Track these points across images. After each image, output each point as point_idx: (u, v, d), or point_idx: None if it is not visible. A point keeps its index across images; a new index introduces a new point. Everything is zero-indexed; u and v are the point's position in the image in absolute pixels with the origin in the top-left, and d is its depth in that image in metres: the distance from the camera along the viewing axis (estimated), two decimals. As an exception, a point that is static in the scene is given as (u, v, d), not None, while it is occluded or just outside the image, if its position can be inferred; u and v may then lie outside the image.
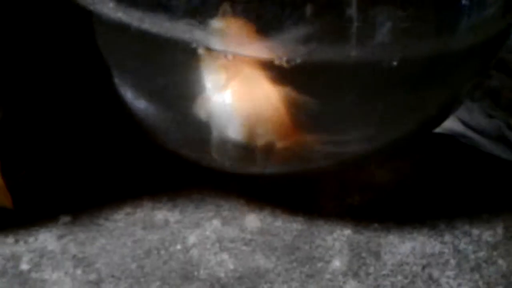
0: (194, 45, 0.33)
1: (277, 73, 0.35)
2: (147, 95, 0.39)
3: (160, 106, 0.39)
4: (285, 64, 0.34)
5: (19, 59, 0.47)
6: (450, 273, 0.46)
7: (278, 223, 0.48)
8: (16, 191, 0.45)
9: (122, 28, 0.33)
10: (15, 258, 0.43)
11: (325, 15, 0.34)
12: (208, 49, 0.33)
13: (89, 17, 0.34)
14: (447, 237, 0.48)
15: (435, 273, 0.46)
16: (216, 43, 0.33)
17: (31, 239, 0.44)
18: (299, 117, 0.38)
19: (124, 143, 0.52)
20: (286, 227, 0.47)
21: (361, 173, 0.51)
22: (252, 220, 0.48)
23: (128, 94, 0.39)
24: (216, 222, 0.47)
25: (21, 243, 0.44)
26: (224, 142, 0.40)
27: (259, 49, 0.34)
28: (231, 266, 0.44)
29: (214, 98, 0.36)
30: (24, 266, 0.43)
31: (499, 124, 0.53)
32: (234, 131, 0.39)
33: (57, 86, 0.49)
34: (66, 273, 0.43)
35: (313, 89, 0.36)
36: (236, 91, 0.37)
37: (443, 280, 0.45)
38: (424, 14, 0.36)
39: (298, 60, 0.34)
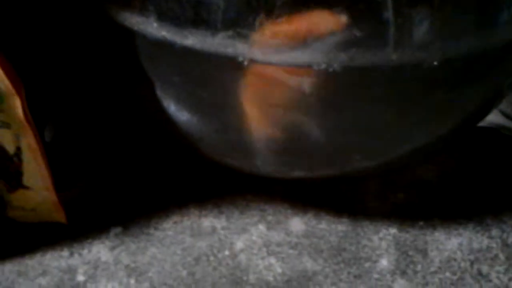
0: (237, 57, 0.33)
1: (316, 80, 0.35)
2: (190, 107, 0.40)
3: (204, 117, 0.40)
4: (324, 71, 0.34)
5: (68, 78, 0.48)
6: (500, 268, 0.45)
7: (323, 225, 0.48)
8: (69, 206, 0.47)
9: (165, 46, 0.34)
10: (71, 271, 0.45)
11: (363, 19, 0.34)
12: (250, 60, 0.34)
13: (134, 37, 0.35)
14: (495, 232, 0.48)
15: (484, 269, 0.45)
16: (256, 54, 0.34)
17: (85, 252, 0.46)
18: (340, 122, 0.38)
19: (169, 154, 0.53)
20: (331, 229, 0.48)
21: (405, 171, 0.51)
22: (297, 223, 0.48)
23: (172, 107, 0.40)
24: (261, 227, 0.48)
25: (76, 255, 0.46)
26: (266, 149, 0.41)
27: (298, 58, 0.34)
28: (279, 270, 0.45)
29: (253, 106, 0.37)
30: (80, 278, 0.44)
31: (541, 114, 0.52)
32: (274, 140, 0.39)
33: (105, 104, 0.51)
34: (120, 283, 0.44)
35: (354, 94, 0.36)
36: (275, 98, 0.37)
37: (493, 275, 0.45)
38: (462, 11, 0.35)
39: (338, 67, 0.34)
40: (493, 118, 0.53)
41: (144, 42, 0.35)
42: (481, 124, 0.53)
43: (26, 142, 0.40)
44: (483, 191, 0.51)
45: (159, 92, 0.40)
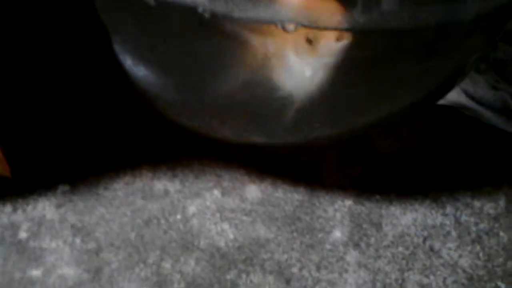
0: (196, 8, 0.32)
1: (279, 40, 0.34)
2: (147, 62, 0.38)
3: (161, 72, 0.38)
4: (288, 31, 0.33)
5: (14, 24, 0.45)
6: (451, 244, 0.46)
7: (279, 193, 0.47)
8: (14, 160, 0.44)
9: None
10: (14, 227, 0.43)
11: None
12: (211, 13, 0.32)
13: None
14: (449, 209, 0.48)
15: (436, 245, 0.45)
16: (218, 6, 0.32)
17: (29, 208, 0.44)
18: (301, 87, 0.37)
19: (123, 111, 0.51)
20: (287, 198, 0.47)
21: (364, 144, 0.51)
22: (253, 190, 0.47)
23: (129, 61, 0.38)
24: (216, 192, 0.47)
25: (19, 212, 0.44)
26: (224, 110, 0.40)
27: (261, 14, 0.33)
28: (231, 236, 0.44)
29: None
30: (23, 235, 0.43)
31: (503, 97, 0.52)
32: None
33: (55, 53, 0.48)
34: (64, 242, 0.42)
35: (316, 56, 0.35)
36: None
37: (444, 252, 0.45)
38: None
39: (301, 26, 0.33)
40: (456, 97, 0.53)
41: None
42: (444, 103, 0.53)
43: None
44: (440, 169, 0.51)
45: (115, 45, 0.38)
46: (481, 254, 0.45)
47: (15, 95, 0.49)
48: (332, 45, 0.34)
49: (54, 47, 0.47)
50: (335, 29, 0.33)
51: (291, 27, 0.33)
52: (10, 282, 0.40)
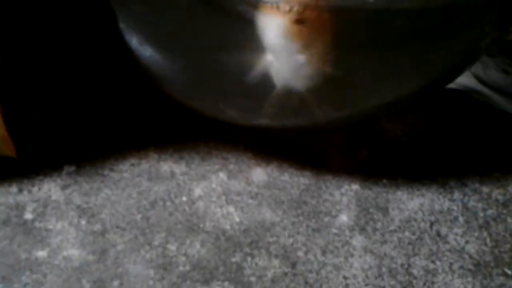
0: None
1: (286, 20, 0.33)
2: (153, 42, 0.37)
3: (166, 52, 0.38)
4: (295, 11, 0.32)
5: (19, 5, 0.45)
6: (458, 230, 0.45)
7: (285, 177, 0.47)
8: (19, 140, 0.44)
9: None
10: (19, 208, 0.43)
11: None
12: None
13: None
14: (457, 195, 0.47)
15: (443, 230, 0.45)
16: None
17: (35, 189, 0.44)
18: (309, 68, 0.36)
19: (130, 93, 0.50)
20: (293, 181, 0.47)
21: (371, 128, 0.50)
22: (259, 173, 0.47)
23: (135, 41, 0.38)
24: (222, 175, 0.46)
25: (25, 192, 0.44)
26: (231, 91, 0.39)
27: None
28: (237, 219, 0.44)
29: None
30: (28, 216, 0.43)
31: (514, 81, 0.52)
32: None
33: (61, 33, 0.48)
34: (70, 223, 0.42)
35: (326, 38, 0.34)
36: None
37: (450, 237, 0.45)
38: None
39: (308, 7, 0.32)
40: (467, 81, 0.53)
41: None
42: (454, 87, 0.52)
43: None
44: (449, 154, 0.50)
45: (122, 24, 0.38)
46: (488, 240, 0.45)
47: (21, 76, 0.49)
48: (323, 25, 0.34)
49: (60, 29, 0.47)
50: (346, 8, 0.32)
51: (286, 7, 0.32)
52: (16, 262, 0.40)
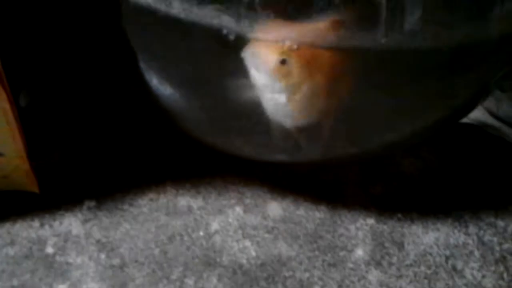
0: (222, 30, 0.32)
1: (303, 60, 0.34)
2: (173, 81, 0.39)
3: (185, 91, 0.39)
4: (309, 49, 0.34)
5: (45, 45, 0.47)
6: (474, 264, 0.45)
7: (301, 211, 0.47)
8: (42, 175, 0.45)
9: (150, 14, 0.33)
10: (41, 242, 0.44)
11: (355, 2, 0.33)
12: (237, 35, 0.33)
13: (118, 2, 0.34)
14: (472, 229, 0.47)
15: (459, 265, 0.45)
16: (244, 29, 0.33)
17: (56, 223, 0.45)
18: (325, 105, 0.37)
19: (149, 129, 0.52)
20: (309, 216, 0.47)
21: (386, 163, 0.51)
22: (275, 208, 0.48)
23: (154, 80, 0.39)
24: (238, 209, 0.47)
25: (47, 227, 0.45)
26: (249, 130, 0.40)
27: (289, 35, 0.33)
28: (253, 253, 0.44)
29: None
30: (50, 250, 0.43)
31: (527, 115, 0.52)
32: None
33: (84, 72, 0.49)
34: (90, 257, 0.43)
35: (341, 76, 0.35)
36: (260, 77, 0.36)
37: (467, 272, 0.45)
38: (455, 1, 0.35)
39: (325, 47, 0.33)
40: (479, 115, 0.53)
41: (128, 9, 0.34)
42: (467, 121, 0.53)
43: None
44: (462, 188, 0.50)
45: (142, 64, 0.39)
46: (505, 275, 0.45)
47: (45, 113, 0.50)
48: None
49: (82, 66, 0.48)
50: (356, 48, 0.33)
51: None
52: (37, 296, 0.41)
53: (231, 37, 0.33)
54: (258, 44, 0.33)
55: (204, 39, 0.33)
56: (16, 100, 0.41)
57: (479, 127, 0.53)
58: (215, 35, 0.33)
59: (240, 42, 0.33)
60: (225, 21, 0.32)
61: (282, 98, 0.36)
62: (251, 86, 0.36)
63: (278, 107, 0.37)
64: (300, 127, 0.39)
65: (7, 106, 0.39)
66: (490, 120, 0.53)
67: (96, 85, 0.51)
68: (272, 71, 0.34)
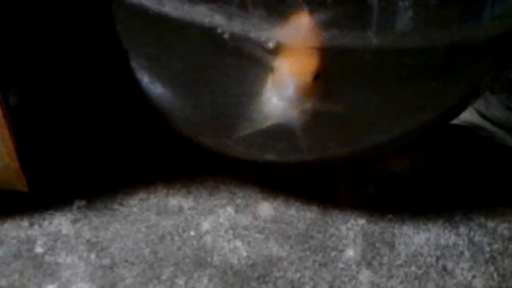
0: (215, 29, 0.32)
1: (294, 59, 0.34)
2: (164, 80, 0.39)
3: (177, 90, 0.39)
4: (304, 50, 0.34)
5: (36, 42, 0.46)
6: (465, 265, 0.45)
7: (292, 211, 0.47)
8: (31, 175, 0.45)
9: (141, 13, 0.33)
10: (30, 242, 0.43)
11: (346, 2, 0.33)
12: (230, 34, 0.33)
13: (109, 1, 0.33)
14: (462, 229, 0.48)
15: (449, 265, 0.45)
16: (236, 27, 0.33)
17: (45, 223, 0.45)
18: (316, 105, 0.37)
19: (139, 129, 0.52)
20: (300, 216, 0.47)
21: (377, 163, 0.51)
22: (266, 208, 0.48)
23: (145, 79, 0.39)
24: (229, 209, 0.47)
25: (36, 226, 0.44)
26: (239, 129, 0.40)
27: (280, 34, 0.33)
28: (244, 254, 0.44)
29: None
30: (39, 249, 0.43)
31: (517, 117, 0.52)
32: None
33: (74, 70, 0.49)
34: (80, 257, 0.43)
35: (332, 76, 0.35)
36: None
37: (457, 272, 0.45)
38: (446, 2, 0.35)
39: (316, 47, 0.33)
40: (470, 117, 0.54)
41: (119, 7, 0.34)
42: (457, 122, 0.53)
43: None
44: (453, 189, 0.51)
45: (133, 63, 0.39)
46: (495, 275, 0.45)
47: (33, 111, 0.50)
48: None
49: (73, 65, 0.48)
50: (352, 49, 0.33)
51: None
52: (26, 296, 0.41)
53: (225, 36, 0.32)
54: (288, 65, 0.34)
55: (196, 37, 0.33)
56: (5, 99, 0.41)
57: (469, 129, 0.54)
58: (207, 33, 0.33)
59: (234, 41, 0.33)
60: (217, 20, 0.32)
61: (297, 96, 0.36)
62: (244, 85, 0.36)
63: (285, 113, 0.37)
64: (295, 128, 0.39)
65: (-4, 104, 0.39)
66: (480, 121, 0.53)
67: (86, 84, 0.51)
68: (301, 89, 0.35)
